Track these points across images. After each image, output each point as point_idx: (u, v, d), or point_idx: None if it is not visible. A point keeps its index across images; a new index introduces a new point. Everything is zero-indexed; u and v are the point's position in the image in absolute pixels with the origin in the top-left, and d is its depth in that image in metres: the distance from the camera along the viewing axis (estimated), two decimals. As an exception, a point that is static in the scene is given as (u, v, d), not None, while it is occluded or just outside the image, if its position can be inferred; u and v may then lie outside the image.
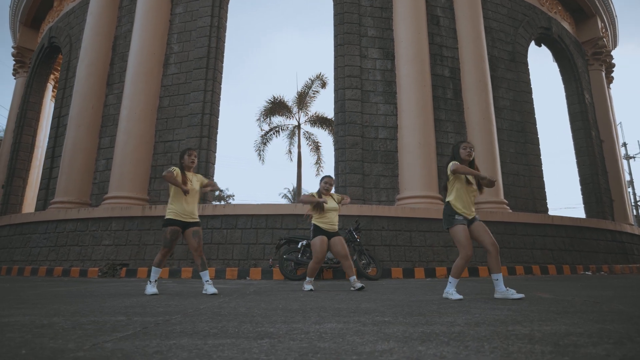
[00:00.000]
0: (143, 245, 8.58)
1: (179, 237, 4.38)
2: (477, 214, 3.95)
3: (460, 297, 3.64)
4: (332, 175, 4.72)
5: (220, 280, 7.48)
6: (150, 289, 4.19)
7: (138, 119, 10.01)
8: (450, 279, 3.80)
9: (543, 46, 14.33)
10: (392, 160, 9.79)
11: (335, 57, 10.49)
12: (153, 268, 4.34)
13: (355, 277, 5.01)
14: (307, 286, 4.92)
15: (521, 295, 3.57)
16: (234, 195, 49.54)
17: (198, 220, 4.46)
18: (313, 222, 5.13)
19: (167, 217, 4.36)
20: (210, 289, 4.17)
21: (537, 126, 11.66)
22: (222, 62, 10.80)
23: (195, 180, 4.46)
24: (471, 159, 3.93)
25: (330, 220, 5.11)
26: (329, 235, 5.07)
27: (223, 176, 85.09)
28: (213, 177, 9.96)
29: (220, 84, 10.64)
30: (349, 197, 5.62)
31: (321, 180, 5.30)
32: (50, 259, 9.11)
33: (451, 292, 3.70)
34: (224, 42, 10.97)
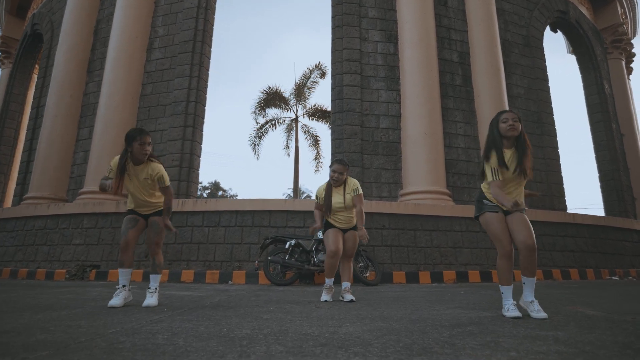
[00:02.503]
0: (116, 244, 7.72)
1: (140, 225, 3.49)
2: (524, 206, 2.95)
3: (518, 314, 2.73)
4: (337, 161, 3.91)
5: (198, 284, 6.59)
6: (113, 299, 3.23)
7: (117, 107, 9.17)
8: (500, 287, 2.92)
9: (554, 37, 13.35)
10: (395, 152, 8.87)
11: (333, 39, 9.59)
12: (119, 270, 3.45)
13: (349, 284, 4.07)
14: (324, 296, 3.97)
15: (544, 316, 2.65)
16: (237, 195, 48.87)
17: (160, 209, 3.54)
18: (325, 218, 4.20)
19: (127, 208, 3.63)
20: (147, 299, 3.28)
21: (554, 116, 10.68)
22: (210, 46, 9.94)
23: (143, 175, 3.40)
24: (516, 133, 2.89)
25: (340, 220, 4.11)
26: (343, 230, 4.15)
27: (226, 175, 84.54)
28: (198, 170, 9.09)
29: (208, 70, 9.78)
30: (361, 201, 4.08)
31: (330, 167, 4.14)
32: (16, 260, 8.29)
33: (506, 307, 2.82)
34: (213, 25, 10.12)
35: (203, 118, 9.42)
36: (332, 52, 9.54)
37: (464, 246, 7.77)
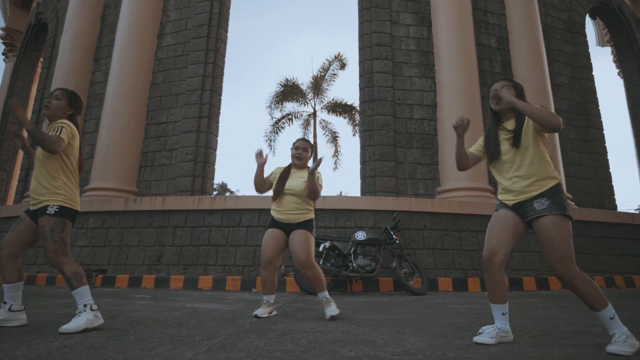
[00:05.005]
0: (125, 246, 6.93)
1: (24, 226, 2.57)
2: (542, 202, 2.12)
3: (480, 339, 2.12)
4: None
5: (218, 292, 5.78)
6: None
7: (126, 97, 8.40)
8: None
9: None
10: (431, 145, 8.02)
11: (360, 23, 8.77)
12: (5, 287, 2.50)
13: (327, 294, 3.19)
14: (258, 310, 3.15)
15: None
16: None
17: (46, 203, 2.49)
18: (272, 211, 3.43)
19: None
20: (69, 323, 2.31)
21: (599, 108, 9.77)
22: (226, 30, 9.16)
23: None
24: (501, 105, 2.30)
25: (283, 208, 3.28)
26: (286, 227, 3.28)
27: (232, 176, 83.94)
28: (214, 165, 8.30)
29: (224, 57, 9.00)
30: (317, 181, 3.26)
31: (292, 146, 3.46)
32: (15, 263, 7.51)
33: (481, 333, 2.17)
34: (229, 8, 9.34)
35: (219, 108, 8.64)
36: (360, 36, 8.72)
37: (515, 249, 6.89)
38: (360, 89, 8.45)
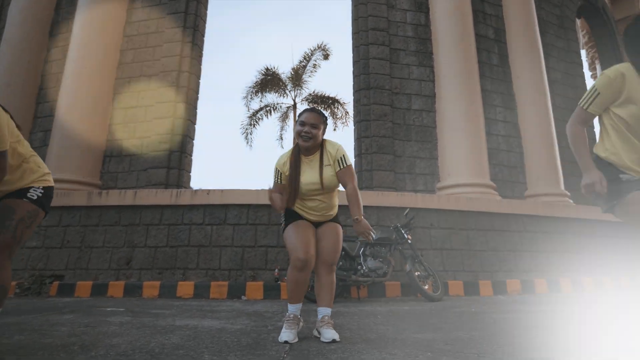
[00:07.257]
0: (87, 248, 5.90)
1: None
2: None
3: None
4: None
5: (201, 301, 4.92)
6: None
7: (89, 77, 7.32)
8: None
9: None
10: (430, 138, 7.49)
11: (355, 5, 8.13)
12: None
13: (329, 312, 2.45)
14: (285, 334, 2.30)
15: None
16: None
17: (30, 185, 1.92)
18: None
19: None
20: None
21: (590, 106, 9.62)
22: (205, 8, 8.26)
23: None
24: None
25: (313, 209, 2.51)
26: (315, 223, 2.57)
27: (218, 177, 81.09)
28: (191, 156, 7.38)
29: (204, 36, 8.09)
30: (353, 177, 2.50)
31: (297, 120, 2.52)
32: (-52, 268, 6.29)
33: None
34: (209, -18, 8.43)
35: (198, 93, 7.73)
36: (354, 20, 8.08)
37: (524, 249, 6.46)
38: (355, 76, 7.81)
